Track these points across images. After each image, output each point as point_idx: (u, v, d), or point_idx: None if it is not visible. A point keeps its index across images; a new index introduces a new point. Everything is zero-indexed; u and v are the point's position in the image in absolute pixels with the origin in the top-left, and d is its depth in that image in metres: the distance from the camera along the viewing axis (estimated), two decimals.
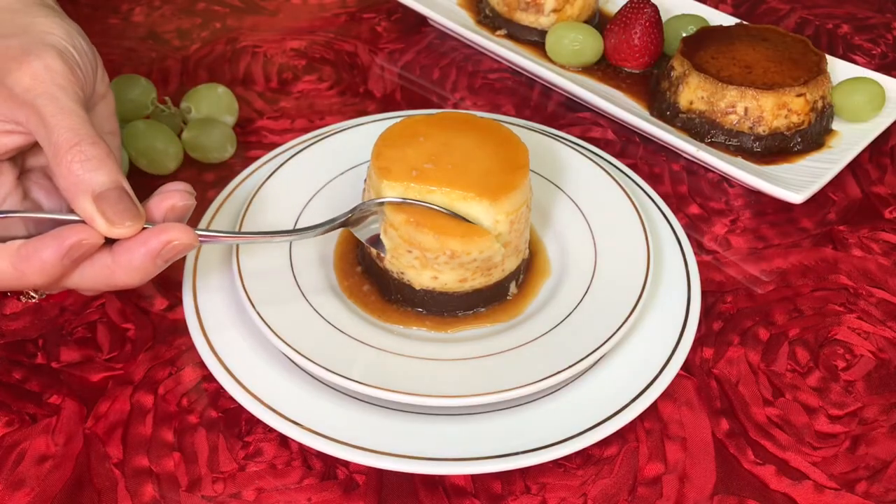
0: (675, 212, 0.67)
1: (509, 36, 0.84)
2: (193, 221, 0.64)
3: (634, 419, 0.51)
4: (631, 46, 0.78)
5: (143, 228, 0.47)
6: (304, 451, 0.50)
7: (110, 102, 0.55)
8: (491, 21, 0.85)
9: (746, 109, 0.70)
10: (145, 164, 0.67)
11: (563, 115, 0.77)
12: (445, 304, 0.56)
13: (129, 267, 0.46)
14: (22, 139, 0.49)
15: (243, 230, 0.57)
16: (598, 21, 0.86)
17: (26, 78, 0.47)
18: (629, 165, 0.71)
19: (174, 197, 0.48)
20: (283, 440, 0.51)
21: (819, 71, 0.71)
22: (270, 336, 0.51)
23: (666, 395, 0.53)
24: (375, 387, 0.48)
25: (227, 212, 0.61)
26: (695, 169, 0.72)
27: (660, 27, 0.78)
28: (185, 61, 0.82)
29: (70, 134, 0.46)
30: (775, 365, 0.56)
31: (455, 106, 0.78)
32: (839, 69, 0.77)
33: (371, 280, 0.58)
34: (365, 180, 0.57)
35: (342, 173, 0.64)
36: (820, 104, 0.71)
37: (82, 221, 0.46)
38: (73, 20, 0.53)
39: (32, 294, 0.57)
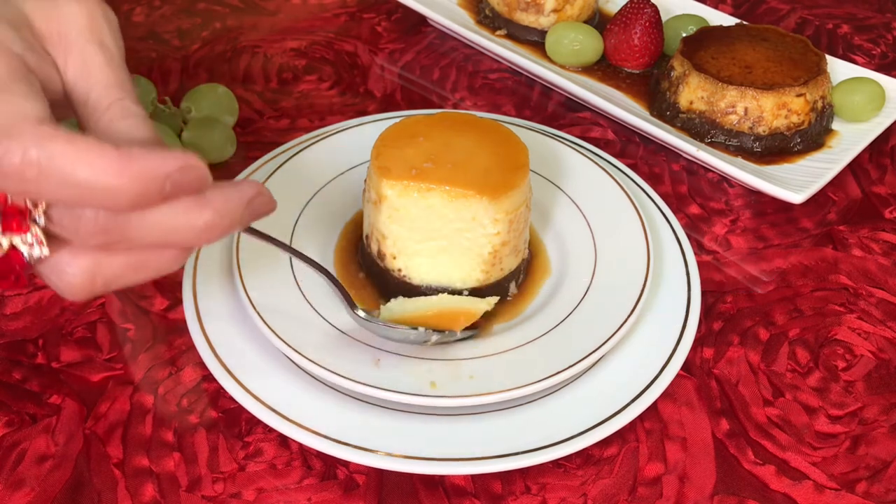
0: (675, 212, 0.67)
1: (509, 36, 0.84)
2: None
3: (634, 419, 0.51)
4: (631, 46, 0.78)
5: None
6: (304, 451, 0.50)
7: None
8: (491, 21, 0.85)
9: (746, 109, 0.70)
10: None
11: (563, 115, 0.77)
12: None
13: (222, 207, 0.38)
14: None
15: (243, 231, 0.57)
16: (598, 21, 0.86)
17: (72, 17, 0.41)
18: (629, 165, 0.71)
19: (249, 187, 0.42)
20: (283, 440, 0.51)
21: (819, 71, 0.71)
22: (270, 336, 0.51)
23: (666, 395, 0.53)
24: (375, 387, 0.48)
25: None
26: (695, 169, 0.72)
27: (660, 27, 0.78)
28: (185, 61, 0.82)
29: (115, 90, 0.40)
30: (775, 365, 0.56)
31: (455, 106, 0.78)
32: (839, 69, 0.77)
33: (371, 280, 0.58)
34: (365, 180, 0.57)
35: (342, 173, 0.64)
36: (820, 104, 0.71)
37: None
38: None
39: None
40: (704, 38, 0.76)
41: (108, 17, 0.43)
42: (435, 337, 0.52)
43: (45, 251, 0.37)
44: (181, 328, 0.56)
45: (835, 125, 0.73)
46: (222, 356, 0.52)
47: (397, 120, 0.58)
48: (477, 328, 0.55)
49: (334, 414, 0.50)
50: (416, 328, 0.52)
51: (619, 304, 0.54)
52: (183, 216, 0.37)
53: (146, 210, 0.36)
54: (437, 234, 0.54)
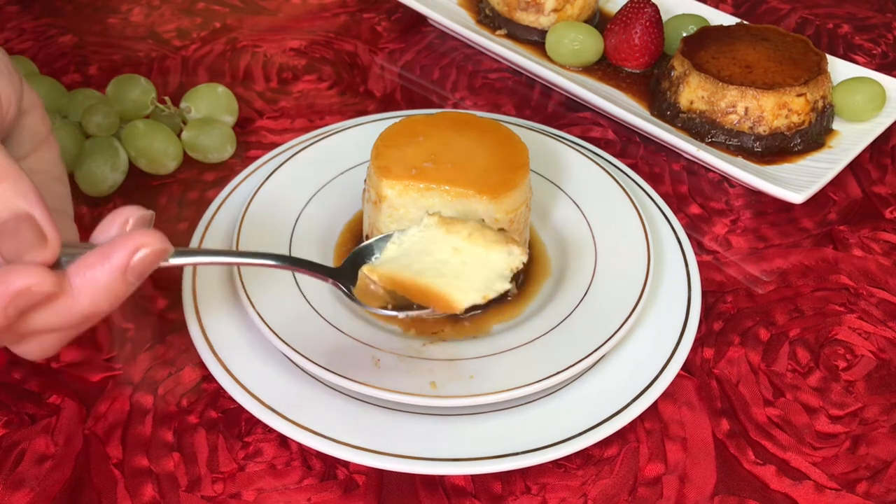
0: (675, 212, 0.67)
1: (509, 36, 0.84)
2: (193, 220, 0.64)
3: (634, 419, 0.51)
4: (631, 46, 0.78)
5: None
6: (304, 451, 0.50)
7: (54, 147, 0.49)
8: (491, 21, 0.85)
9: (747, 109, 0.70)
10: (145, 164, 0.67)
11: (563, 114, 0.77)
12: None
13: (93, 289, 0.37)
14: None
15: (243, 231, 0.57)
16: (598, 21, 0.86)
17: None
18: (629, 165, 0.71)
19: (128, 211, 0.40)
20: (283, 440, 0.51)
21: (819, 71, 0.71)
22: (270, 336, 0.50)
23: (666, 395, 0.53)
24: (376, 387, 0.48)
25: (227, 211, 0.61)
26: (695, 169, 0.72)
27: (660, 27, 0.78)
28: (185, 61, 0.82)
29: None
30: (776, 365, 0.56)
31: (455, 106, 0.78)
32: (839, 69, 0.77)
33: None
34: (365, 180, 0.57)
35: (342, 173, 0.64)
36: (820, 104, 0.71)
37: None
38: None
39: None
40: (705, 37, 0.75)
41: None
42: (412, 313, 0.49)
43: None
44: (181, 328, 0.56)
45: (835, 125, 0.73)
46: (222, 356, 0.52)
47: (397, 120, 0.58)
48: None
49: (334, 414, 0.50)
50: (388, 308, 0.49)
51: (620, 304, 0.54)
52: (57, 317, 0.38)
53: (18, 319, 0.37)
54: None
